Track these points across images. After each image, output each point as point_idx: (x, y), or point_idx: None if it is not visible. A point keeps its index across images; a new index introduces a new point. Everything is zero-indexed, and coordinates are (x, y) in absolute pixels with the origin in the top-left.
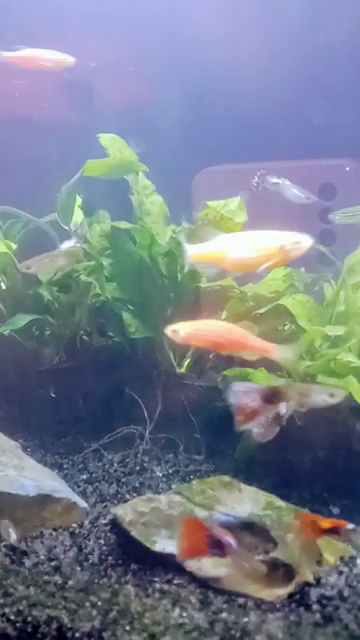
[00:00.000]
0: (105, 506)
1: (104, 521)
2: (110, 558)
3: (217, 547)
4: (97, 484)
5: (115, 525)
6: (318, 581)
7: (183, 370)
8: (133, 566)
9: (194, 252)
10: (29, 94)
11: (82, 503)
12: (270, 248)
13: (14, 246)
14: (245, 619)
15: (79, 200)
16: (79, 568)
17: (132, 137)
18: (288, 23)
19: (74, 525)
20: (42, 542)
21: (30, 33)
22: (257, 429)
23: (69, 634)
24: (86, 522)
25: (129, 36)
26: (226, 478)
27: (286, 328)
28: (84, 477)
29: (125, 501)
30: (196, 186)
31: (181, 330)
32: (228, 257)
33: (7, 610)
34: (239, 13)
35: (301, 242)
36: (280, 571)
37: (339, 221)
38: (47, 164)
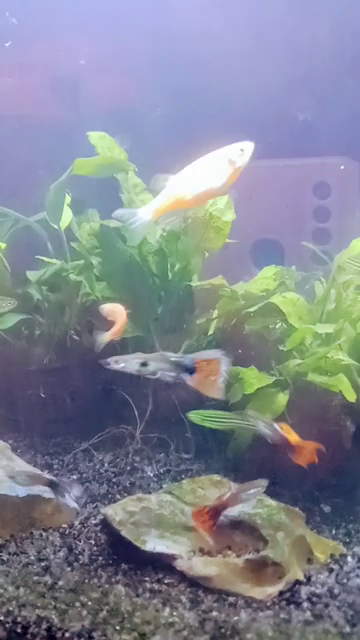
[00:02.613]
0: (95, 506)
1: (94, 521)
2: (100, 558)
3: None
4: (87, 484)
5: (105, 525)
6: (308, 579)
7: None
8: (123, 566)
9: (153, 209)
10: (17, 92)
11: (72, 503)
12: (220, 169)
13: (3, 245)
14: (235, 618)
15: (68, 199)
16: (69, 568)
17: (118, 133)
18: (281, 19)
19: (64, 525)
20: (32, 543)
21: (19, 31)
22: None
23: (59, 634)
24: (76, 522)
25: (118, 32)
26: (217, 477)
27: (277, 326)
28: (74, 477)
29: (116, 501)
30: None
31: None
32: (186, 195)
33: None
34: (229, 10)
35: (244, 148)
36: (270, 569)
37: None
38: (36, 162)
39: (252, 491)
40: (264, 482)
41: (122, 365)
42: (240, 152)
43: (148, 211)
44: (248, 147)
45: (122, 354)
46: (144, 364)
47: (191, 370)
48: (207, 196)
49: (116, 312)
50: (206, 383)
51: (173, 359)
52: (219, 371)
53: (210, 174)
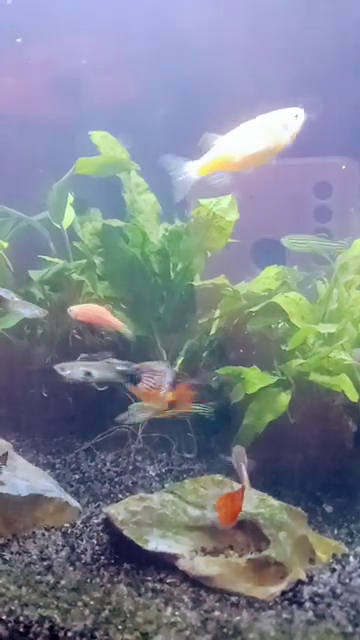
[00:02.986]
0: (98, 506)
1: (96, 521)
2: (102, 557)
3: None
4: (89, 484)
5: (107, 524)
6: (311, 579)
7: (176, 369)
8: (125, 565)
9: (199, 166)
10: (19, 91)
11: (74, 503)
12: (273, 132)
13: (5, 244)
14: (237, 617)
15: (71, 198)
16: (71, 568)
17: (120, 133)
18: (281, 18)
19: (66, 525)
20: (34, 542)
21: (21, 30)
22: None
23: (61, 634)
24: (78, 522)
25: (120, 32)
26: (219, 477)
27: (279, 326)
28: (76, 477)
29: (118, 501)
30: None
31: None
32: (233, 156)
33: None
34: (231, 9)
35: (298, 114)
36: (272, 569)
37: (288, 246)
38: (38, 162)
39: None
40: (240, 449)
41: (68, 372)
42: (294, 118)
43: (195, 167)
44: (301, 114)
45: (125, 354)
46: (89, 373)
47: (135, 380)
48: (255, 159)
49: (89, 313)
50: (149, 393)
51: (118, 368)
52: (162, 383)
53: (261, 137)
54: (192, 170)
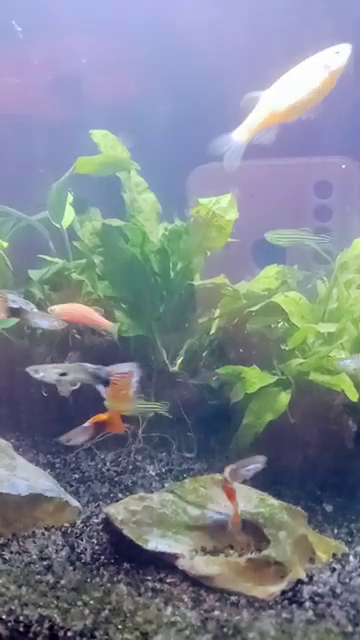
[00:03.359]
0: (97, 505)
1: (96, 520)
2: (102, 557)
3: None
4: (89, 483)
5: (107, 524)
6: (311, 578)
7: (176, 369)
8: (125, 565)
9: (247, 129)
10: (19, 91)
11: (74, 502)
12: (315, 76)
13: (5, 244)
14: (237, 617)
15: (70, 197)
16: (71, 567)
17: (121, 132)
18: (282, 17)
19: (66, 524)
20: (34, 542)
21: (21, 27)
22: None
23: (61, 633)
24: (78, 521)
25: (121, 31)
26: (219, 476)
27: (279, 326)
28: (76, 476)
29: (118, 500)
30: (190, 183)
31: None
32: (280, 108)
33: None
34: (231, 8)
35: (340, 50)
36: (272, 569)
37: (272, 241)
38: (38, 161)
39: (251, 467)
40: (262, 459)
41: (41, 375)
42: (335, 55)
43: (242, 132)
44: (344, 49)
45: (124, 354)
46: (63, 374)
47: (106, 382)
48: (302, 106)
49: (73, 313)
50: (118, 396)
51: (90, 370)
52: (130, 384)
53: (304, 82)
54: (240, 136)
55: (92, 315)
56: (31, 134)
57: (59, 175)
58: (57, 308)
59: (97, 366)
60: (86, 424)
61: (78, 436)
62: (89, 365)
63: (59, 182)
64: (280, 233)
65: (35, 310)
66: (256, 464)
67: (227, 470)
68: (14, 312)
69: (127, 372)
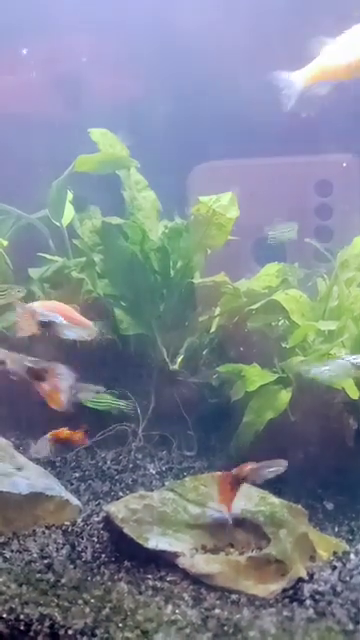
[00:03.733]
0: (98, 504)
1: (97, 519)
2: (103, 555)
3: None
4: (90, 482)
5: (108, 522)
6: (311, 577)
7: (176, 367)
8: (126, 563)
9: (306, 76)
10: (18, 89)
11: (75, 501)
12: None
13: (5, 242)
14: (238, 615)
15: (70, 196)
16: (72, 566)
17: (120, 130)
18: (282, 16)
19: (67, 523)
20: (35, 540)
21: (20, 28)
22: None
23: (62, 632)
24: (79, 520)
25: (121, 30)
26: (219, 474)
27: (280, 324)
28: (77, 475)
29: (118, 499)
30: (191, 182)
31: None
32: (340, 64)
33: (0, 609)
34: (232, 6)
35: None
36: (273, 567)
37: (273, 237)
38: (37, 160)
39: (272, 469)
40: (284, 462)
41: None
42: None
43: (302, 75)
44: None
45: (124, 352)
46: (1, 362)
47: (40, 377)
48: None
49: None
50: (51, 393)
51: (26, 363)
52: (63, 384)
53: None
54: (298, 79)
55: (72, 313)
56: (31, 133)
57: (59, 173)
58: (34, 305)
59: (35, 360)
60: (47, 436)
61: (41, 449)
62: (29, 358)
63: (59, 180)
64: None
65: (64, 322)
66: (278, 467)
67: (248, 468)
68: (44, 325)
69: (62, 372)
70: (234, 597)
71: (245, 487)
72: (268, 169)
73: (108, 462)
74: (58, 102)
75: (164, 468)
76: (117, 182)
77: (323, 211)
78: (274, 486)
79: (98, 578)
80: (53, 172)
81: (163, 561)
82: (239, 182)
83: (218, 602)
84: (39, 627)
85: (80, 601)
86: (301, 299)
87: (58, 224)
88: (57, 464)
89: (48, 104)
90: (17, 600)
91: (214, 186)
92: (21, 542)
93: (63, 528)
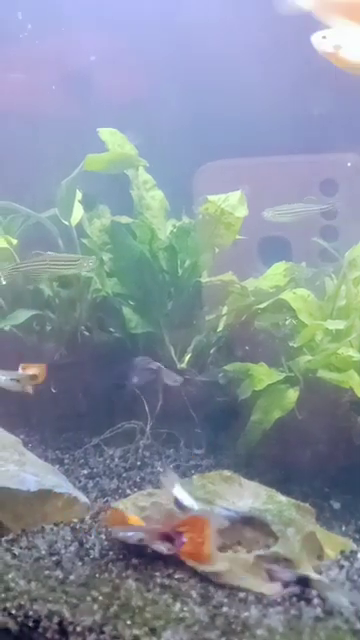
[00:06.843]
0: (106, 501)
1: (105, 516)
2: (111, 553)
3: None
4: (98, 479)
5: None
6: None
7: (184, 365)
8: (134, 561)
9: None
10: (28, 87)
11: (83, 498)
12: None
13: (14, 241)
14: (246, 613)
15: (79, 195)
16: (80, 563)
17: (129, 130)
18: (292, 16)
19: (75, 520)
20: (43, 537)
21: (29, 24)
22: None
23: (70, 628)
24: (87, 517)
25: (129, 28)
26: (227, 472)
27: (287, 323)
28: (85, 472)
29: (126, 496)
30: (197, 181)
31: None
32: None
33: (8, 605)
34: (243, 4)
35: None
36: (281, 565)
37: (272, 218)
38: (47, 159)
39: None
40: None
41: None
42: None
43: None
44: None
45: (132, 351)
46: None
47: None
48: None
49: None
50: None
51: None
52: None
53: None
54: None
55: None
56: (40, 131)
57: (68, 172)
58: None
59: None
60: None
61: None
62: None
63: (68, 179)
64: (281, 209)
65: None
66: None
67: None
68: None
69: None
70: (242, 595)
71: (253, 485)
72: (272, 168)
73: (116, 460)
74: (67, 101)
75: (172, 466)
76: (126, 181)
77: (328, 210)
78: (282, 484)
79: (106, 575)
80: (62, 171)
81: (171, 559)
82: (244, 181)
83: (226, 600)
84: (48, 624)
85: (88, 598)
86: (309, 298)
87: (67, 223)
88: (65, 461)
89: (57, 103)
90: (26, 596)
91: (220, 185)
92: (30, 539)
93: (71, 525)
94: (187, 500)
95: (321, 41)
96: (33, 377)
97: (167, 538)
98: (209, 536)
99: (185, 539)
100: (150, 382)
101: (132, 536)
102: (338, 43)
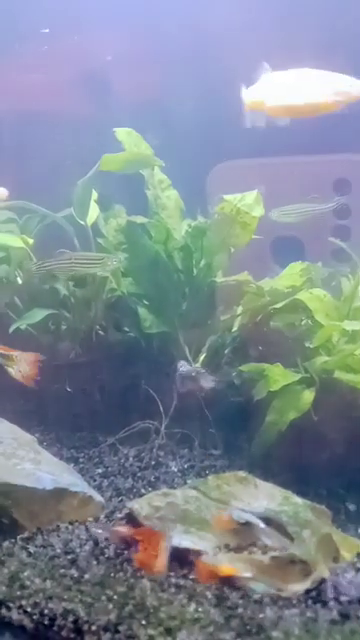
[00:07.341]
0: (121, 500)
1: (120, 515)
2: (126, 552)
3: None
4: (113, 478)
5: (131, 519)
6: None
7: (198, 365)
8: None
9: (249, 96)
10: (46, 88)
11: (98, 497)
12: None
13: (31, 241)
14: (261, 615)
15: (95, 194)
16: (95, 562)
17: (149, 130)
18: (304, 14)
19: (90, 519)
20: (58, 536)
21: (46, 25)
22: None
23: (85, 627)
24: (102, 516)
25: (146, 29)
26: (242, 473)
27: (303, 323)
28: (100, 471)
29: (140, 495)
30: (211, 181)
31: None
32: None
33: (24, 603)
34: (257, 7)
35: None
36: (297, 567)
37: (277, 219)
38: (63, 158)
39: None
40: None
41: None
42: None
43: (247, 96)
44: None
45: (147, 350)
46: None
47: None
48: (295, 111)
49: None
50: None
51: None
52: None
53: (307, 93)
54: (246, 96)
55: None
56: (56, 131)
57: (84, 172)
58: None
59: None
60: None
61: None
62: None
63: (84, 179)
64: (285, 209)
65: None
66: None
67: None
68: None
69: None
70: (257, 596)
71: (268, 487)
72: (286, 168)
73: (131, 459)
74: (83, 101)
75: (186, 466)
76: (141, 181)
77: (341, 210)
78: (297, 486)
79: (121, 574)
80: (79, 171)
81: (186, 559)
82: (258, 180)
83: (241, 601)
84: (63, 622)
85: (103, 597)
86: (325, 298)
87: (83, 223)
88: (80, 460)
89: (73, 103)
90: (41, 595)
91: (234, 185)
92: (45, 537)
93: (86, 524)
94: (253, 519)
95: (246, 94)
96: (11, 358)
97: (126, 542)
98: (163, 550)
99: (139, 548)
100: (192, 390)
101: (101, 534)
102: (261, 97)
